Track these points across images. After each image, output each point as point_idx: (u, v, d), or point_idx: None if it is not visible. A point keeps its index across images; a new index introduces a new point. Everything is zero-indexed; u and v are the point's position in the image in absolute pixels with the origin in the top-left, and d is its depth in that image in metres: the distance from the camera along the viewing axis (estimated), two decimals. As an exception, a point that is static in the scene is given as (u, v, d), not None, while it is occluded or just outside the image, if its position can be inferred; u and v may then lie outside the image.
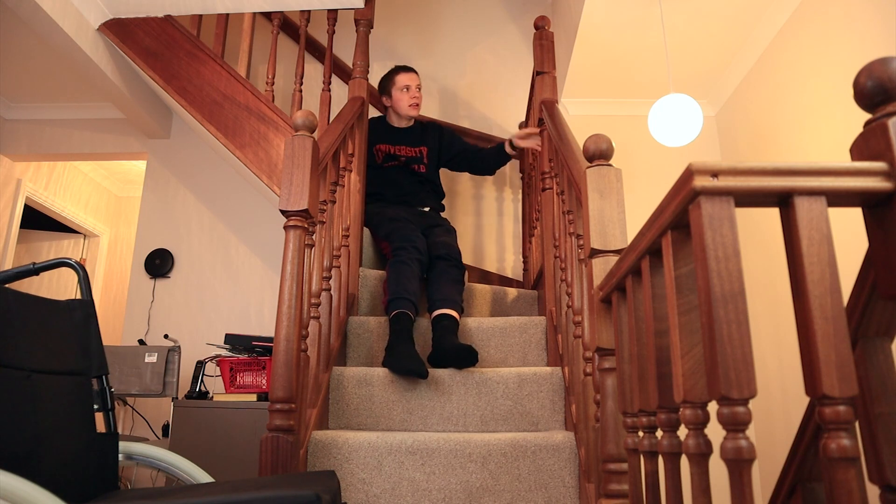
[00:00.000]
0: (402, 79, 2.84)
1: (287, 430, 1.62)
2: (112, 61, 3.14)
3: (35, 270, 1.45)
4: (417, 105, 2.86)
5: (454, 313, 2.25)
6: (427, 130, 2.97)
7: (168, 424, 2.99)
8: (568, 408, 1.93)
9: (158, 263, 3.62)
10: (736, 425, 0.72)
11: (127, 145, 3.92)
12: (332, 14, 3.02)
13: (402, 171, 2.88)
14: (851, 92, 1.03)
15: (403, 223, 2.57)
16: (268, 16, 3.33)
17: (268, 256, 3.62)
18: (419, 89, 2.86)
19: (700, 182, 0.76)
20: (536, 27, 2.77)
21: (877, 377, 0.82)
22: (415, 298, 2.27)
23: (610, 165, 1.50)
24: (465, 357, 2.01)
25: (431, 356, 2.10)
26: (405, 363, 1.99)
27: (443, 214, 2.96)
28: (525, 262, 3.25)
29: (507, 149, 2.84)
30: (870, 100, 0.76)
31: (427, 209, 2.85)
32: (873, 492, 0.82)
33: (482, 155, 2.97)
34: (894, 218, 0.73)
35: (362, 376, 2.05)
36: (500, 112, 3.78)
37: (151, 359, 2.96)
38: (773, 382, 2.75)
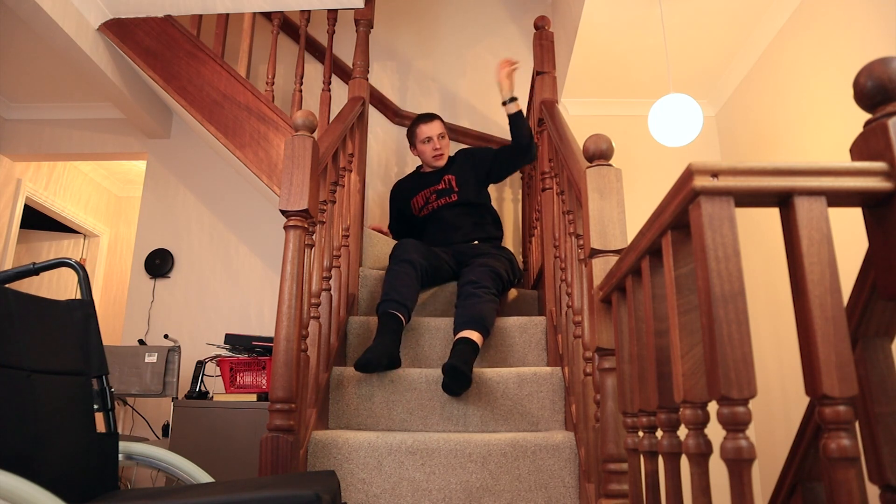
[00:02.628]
0: (422, 131, 2.78)
1: (287, 430, 1.62)
2: (112, 61, 3.14)
3: (35, 270, 1.45)
4: (441, 156, 2.79)
5: (471, 334, 2.09)
6: (454, 160, 2.87)
7: (168, 424, 2.99)
8: (568, 408, 1.92)
9: (158, 263, 3.62)
10: (736, 425, 0.72)
11: (127, 145, 3.92)
12: (332, 14, 3.02)
13: (439, 212, 2.78)
14: (851, 92, 1.03)
15: (412, 248, 2.41)
16: (268, 16, 3.34)
17: (268, 256, 3.62)
18: (442, 137, 2.79)
19: (700, 182, 0.76)
20: (536, 27, 2.77)
21: (877, 377, 0.82)
22: (401, 298, 2.17)
23: (610, 165, 1.50)
24: (453, 378, 1.91)
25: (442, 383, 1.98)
26: (362, 356, 1.96)
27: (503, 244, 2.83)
28: (525, 262, 3.25)
29: (505, 107, 2.58)
30: (870, 100, 0.76)
31: (476, 243, 2.70)
32: (873, 492, 0.82)
33: (510, 144, 2.70)
34: (894, 218, 0.73)
35: (362, 376, 2.04)
36: (500, 112, 3.77)
37: (151, 359, 2.96)
38: (773, 382, 2.75)
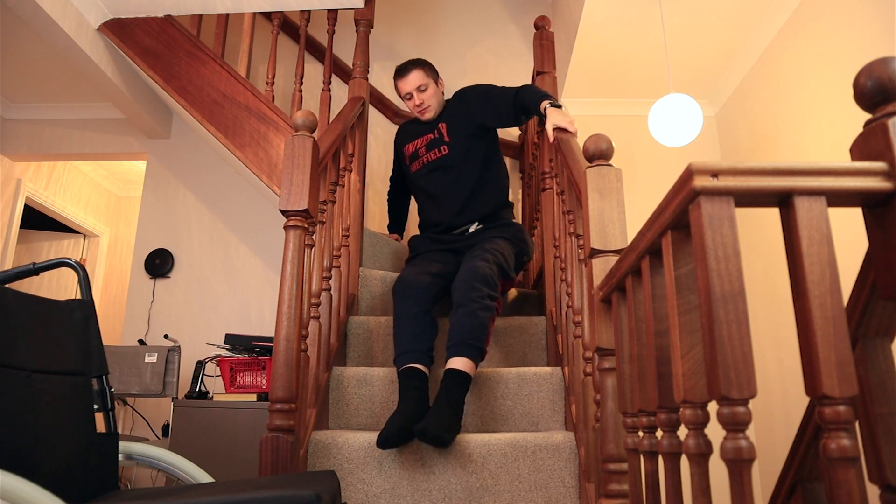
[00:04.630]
0: (399, 88, 2.48)
1: (287, 430, 1.62)
2: (112, 61, 3.14)
3: (35, 270, 1.45)
4: (426, 109, 2.47)
5: (464, 365, 1.89)
6: (449, 105, 2.54)
7: (168, 424, 2.99)
8: (568, 408, 1.92)
9: (158, 263, 3.62)
10: (736, 425, 0.72)
11: (127, 145, 3.92)
12: (332, 14, 3.02)
13: (430, 175, 2.49)
14: (851, 92, 1.03)
15: (414, 268, 2.22)
16: (268, 16, 3.33)
17: (268, 256, 3.62)
18: (422, 90, 2.43)
19: (700, 182, 0.76)
20: (536, 27, 2.77)
21: (877, 377, 0.81)
22: (419, 345, 1.97)
23: (610, 165, 1.50)
24: (433, 438, 1.67)
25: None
26: (381, 432, 1.70)
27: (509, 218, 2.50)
28: (525, 262, 3.25)
29: (542, 110, 2.23)
30: (870, 100, 0.76)
31: (471, 229, 2.42)
32: (873, 492, 0.82)
33: (519, 100, 2.36)
34: (894, 218, 0.73)
35: (362, 376, 2.05)
36: (500, 112, 3.77)
37: (151, 359, 2.96)
38: (773, 382, 2.75)
